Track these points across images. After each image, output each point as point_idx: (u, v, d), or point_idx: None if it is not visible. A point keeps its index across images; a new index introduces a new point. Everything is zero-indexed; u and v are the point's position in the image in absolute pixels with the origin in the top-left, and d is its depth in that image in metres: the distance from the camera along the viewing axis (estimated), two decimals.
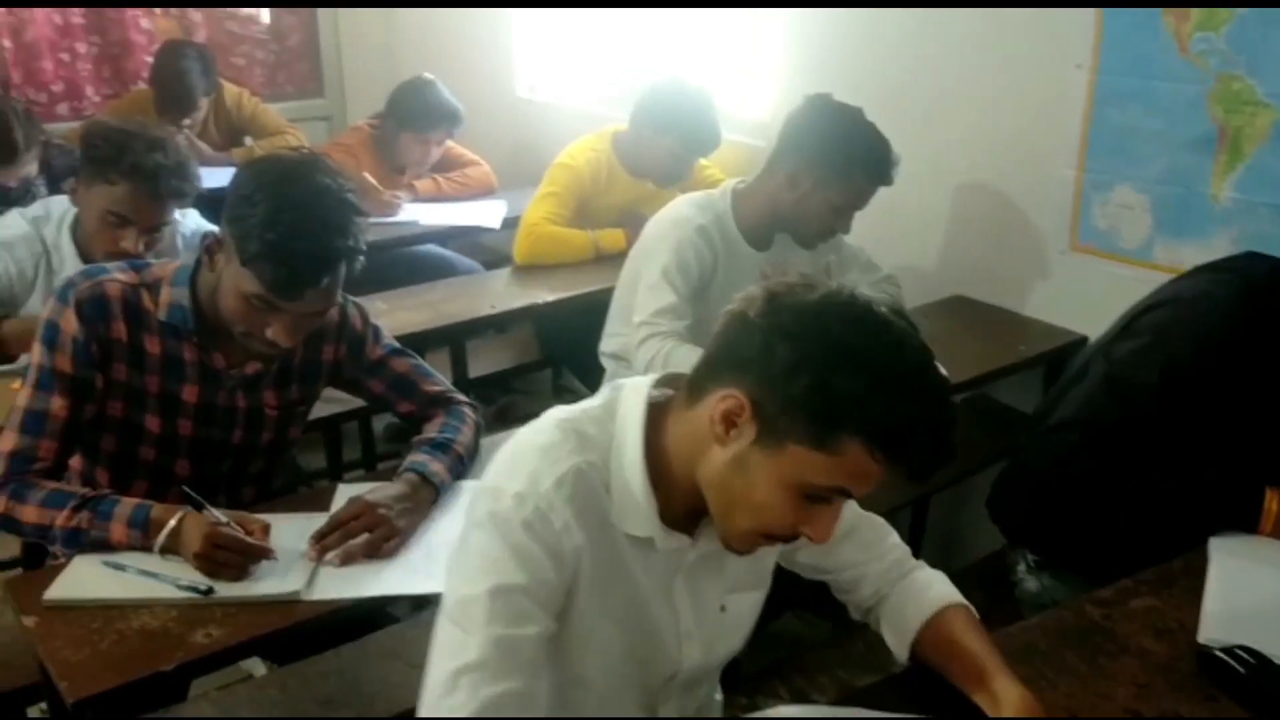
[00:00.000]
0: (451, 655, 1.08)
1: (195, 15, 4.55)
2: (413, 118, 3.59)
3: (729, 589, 1.29)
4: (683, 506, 1.19)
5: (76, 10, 4.27)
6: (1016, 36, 2.62)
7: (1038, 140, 2.64)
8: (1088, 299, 2.57)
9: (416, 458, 1.79)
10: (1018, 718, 1.20)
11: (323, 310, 1.71)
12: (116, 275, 1.71)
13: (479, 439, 1.92)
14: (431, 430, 1.87)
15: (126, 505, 1.61)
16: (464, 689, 1.05)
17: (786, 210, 2.35)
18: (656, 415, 1.19)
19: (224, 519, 1.60)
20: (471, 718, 1.04)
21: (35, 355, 1.68)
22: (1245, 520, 1.72)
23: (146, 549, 1.59)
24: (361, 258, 1.66)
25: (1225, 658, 1.37)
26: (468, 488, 1.82)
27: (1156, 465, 1.77)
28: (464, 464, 1.86)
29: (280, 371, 1.83)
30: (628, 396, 1.20)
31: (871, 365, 1.04)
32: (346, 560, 1.59)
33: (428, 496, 1.75)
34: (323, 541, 1.61)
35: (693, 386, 1.16)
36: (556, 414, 1.21)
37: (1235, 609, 1.50)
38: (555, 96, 4.17)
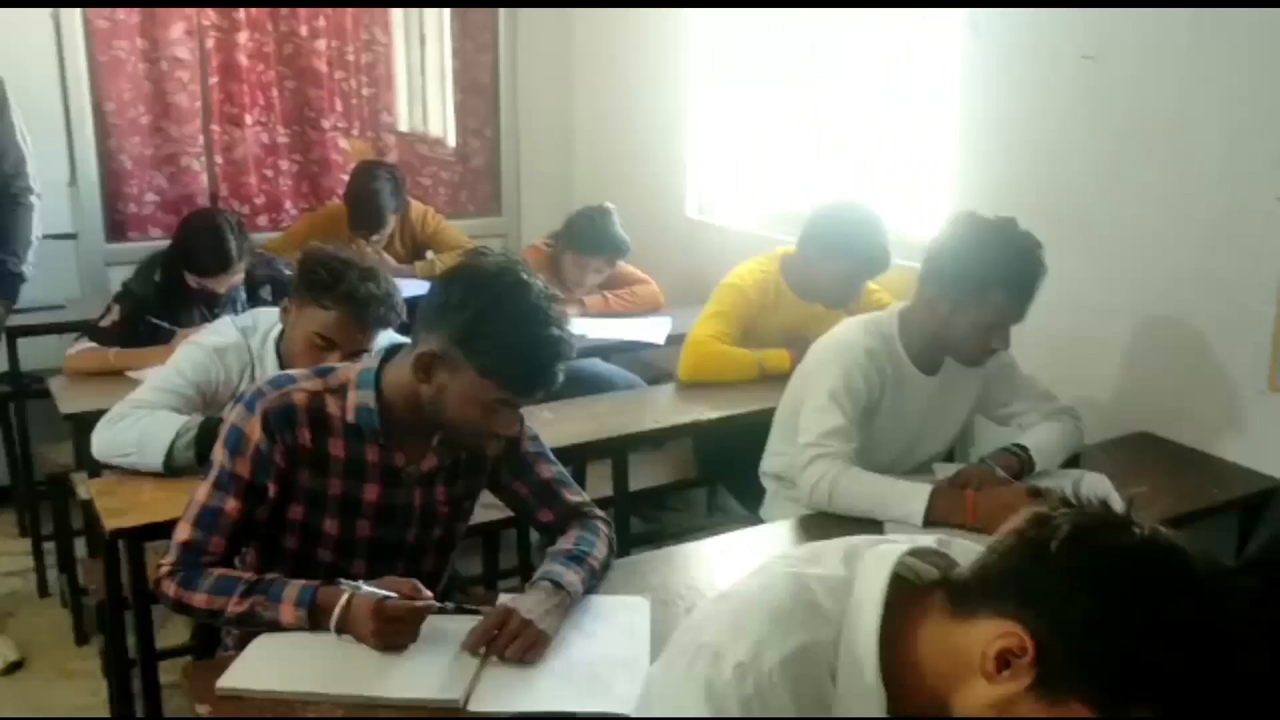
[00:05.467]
0: None
1: (388, 138, 4.86)
2: (579, 242, 3.73)
3: None
4: (916, 702, 1.08)
5: (283, 130, 4.62)
6: (1211, 167, 2.53)
7: (1232, 274, 2.52)
8: None
9: (552, 568, 1.81)
10: None
11: None
12: (303, 384, 1.78)
13: (612, 556, 1.95)
14: (567, 543, 1.89)
15: (293, 587, 1.68)
16: None
17: (939, 334, 2.31)
18: (903, 595, 1.09)
19: (383, 593, 1.65)
20: None
21: (217, 455, 1.76)
22: None
23: (313, 629, 1.65)
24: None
25: None
26: (629, 603, 1.82)
27: None
28: (596, 578, 1.87)
29: (450, 467, 1.88)
30: (869, 569, 1.11)
31: (1190, 640, 0.93)
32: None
33: (563, 603, 1.75)
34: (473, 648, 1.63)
35: (961, 597, 1.06)
36: (788, 570, 1.13)
37: None
38: (724, 218, 4.25)
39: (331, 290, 2.26)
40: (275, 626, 1.67)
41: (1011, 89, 2.98)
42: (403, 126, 4.96)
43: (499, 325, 1.65)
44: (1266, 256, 2.42)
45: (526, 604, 1.69)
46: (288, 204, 4.69)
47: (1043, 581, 0.99)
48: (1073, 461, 2.47)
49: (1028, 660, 0.99)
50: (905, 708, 1.09)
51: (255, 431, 1.73)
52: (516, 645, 1.62)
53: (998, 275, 2.18)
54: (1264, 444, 2.48)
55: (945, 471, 2.40)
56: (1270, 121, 2.40)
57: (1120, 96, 2.71)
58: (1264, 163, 2.41)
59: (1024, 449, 2.37)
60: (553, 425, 2.69)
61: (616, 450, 2.89)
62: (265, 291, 3.35)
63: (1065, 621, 0.97)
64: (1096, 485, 2.21)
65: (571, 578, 1.79)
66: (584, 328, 3.57)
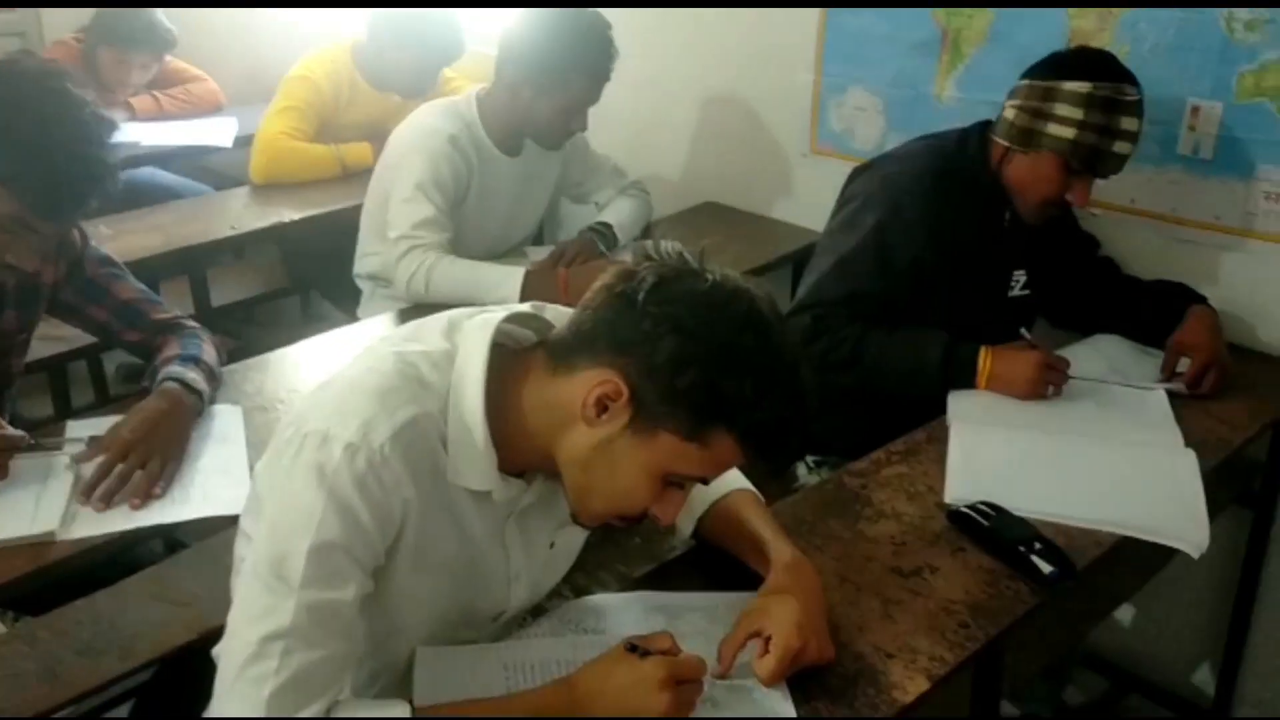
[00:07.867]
0: (261, 619, 1.01)
1: None
2: (115, 35, 3.31)
3: (558, 525, 1.27)
4: (523, 458, 1.16)
5: None
6: None
7: (778, 48, 2.72)
8: (828, 199, 2.69)
9: (170, 369, 1.70)
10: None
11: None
12: None
13: (222, 362, 1.86)
14: (171, 350, 1.77)
15: None
16: (274, 656, 0.99)
17: (521, 118, 2.35)
18: (504, 360, 1.14)
19: None
20: (282, 686, 0.98)
21: None
22: (966, 380, 1.88)
23: None
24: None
25: (970, 513, 1.51)
26: (218, 411, 1.75)
27: (882, 331, 1.89)
28: (215, 380, 1.79)
29: None
30: (469, 339, 1.14)
31: (756, 368, 1.06)
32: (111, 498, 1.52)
33: (193, 406, 1.67)
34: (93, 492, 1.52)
35: (559, 354, 1.13)
36: (391, 350, 1.13)
37: (975, 469, 1.65)
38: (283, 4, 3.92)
39: None
40: None
41: None
42: None
43: (24, 131, 1.45)
44: (804, 28, 2.63)
45: (140, 421, 1.58)
46: None
47: (632, 329, 1.07)
48: (645, 233, 2.63)
49: (623, 401, 1.08)
50: (514, 464, 1.16)
51: None
52: (137, 481, 1.53)
53: (577, 61, 2.23)
54: (807, 202, 2.76)
55: (537, 254, 2.47)
56: None
57: None
58: None
59: (607, 226, 2.49)
60: (112, 242, 2.44)
61: (192, 263, 2.69)
62: None
63: (654, 362, 1.06)
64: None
65: (194, 375, 1.71)
66: (135, 134, 3.22)
